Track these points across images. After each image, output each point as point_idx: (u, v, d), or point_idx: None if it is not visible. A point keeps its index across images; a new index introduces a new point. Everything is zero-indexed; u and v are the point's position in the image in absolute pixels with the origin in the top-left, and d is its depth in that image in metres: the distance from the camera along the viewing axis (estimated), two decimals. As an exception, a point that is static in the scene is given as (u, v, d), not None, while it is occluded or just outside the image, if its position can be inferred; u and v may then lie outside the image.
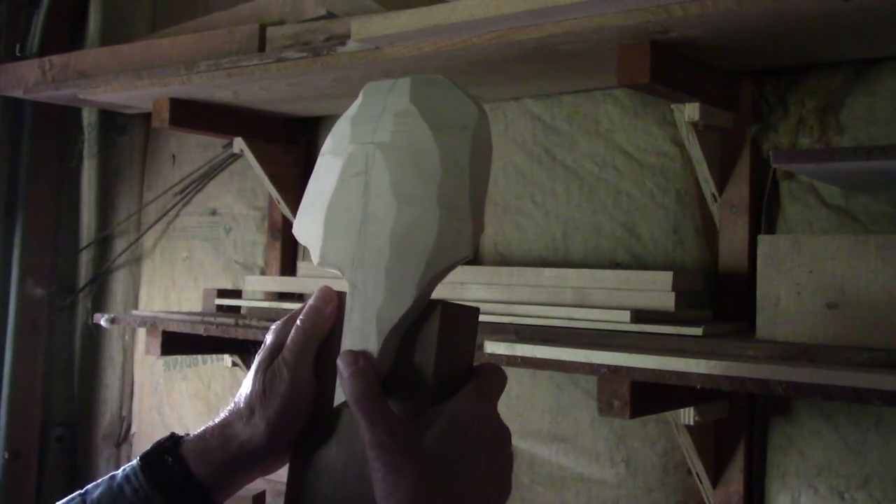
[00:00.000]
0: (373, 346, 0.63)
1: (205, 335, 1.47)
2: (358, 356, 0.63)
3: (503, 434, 0.64)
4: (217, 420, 0.69)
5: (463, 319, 0.65)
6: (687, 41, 1.07)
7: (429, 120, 0.66)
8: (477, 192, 0.64)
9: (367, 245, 0.65)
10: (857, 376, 0.85)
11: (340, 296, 0.68)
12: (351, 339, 0.65)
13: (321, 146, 1.99)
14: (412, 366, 0.63)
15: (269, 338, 0.69)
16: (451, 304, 0.65)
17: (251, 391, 0.66)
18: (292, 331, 0.68)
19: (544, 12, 1.04)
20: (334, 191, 0.68)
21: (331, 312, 0.68)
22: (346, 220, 0.67)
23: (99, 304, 2.23)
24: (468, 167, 0.64)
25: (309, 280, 1.58)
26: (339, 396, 0.64)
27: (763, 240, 1.06)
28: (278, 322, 0.70)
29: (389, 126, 0.67)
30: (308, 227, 0.70)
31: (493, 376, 0.65)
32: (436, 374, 0.62)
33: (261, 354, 0.68)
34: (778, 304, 1.03)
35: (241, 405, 0.67)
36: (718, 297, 1.28)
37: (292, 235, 1.96)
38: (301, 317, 0.68)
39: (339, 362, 0.64)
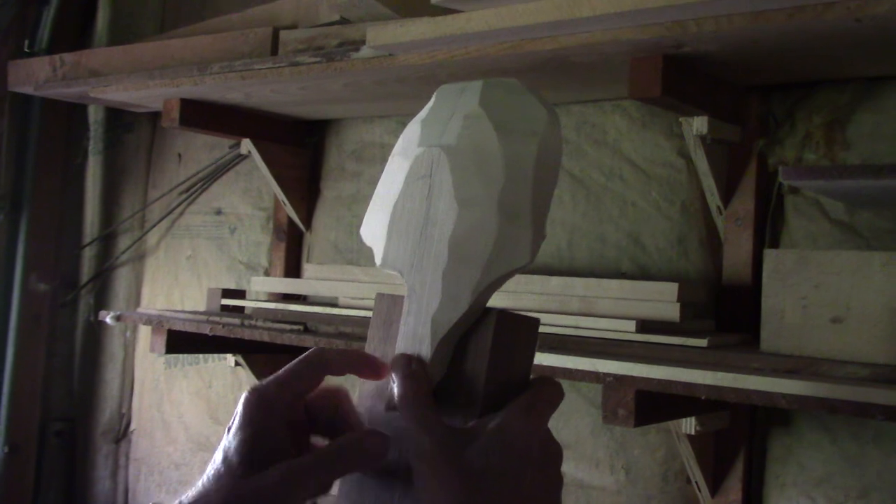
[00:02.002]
0: (426, 350, 0.62)
1: (210, 335, 1.48)
2: (411, 360, 0.62)
3: (553, 451, 0.62)
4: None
5: (520, 329, 0.64)
6: (699, 56, 1.09)
7: (496, 123, 0.65)
8: (540, 198, 0.63)
9: (426, 248, 0.64)
10: (860, 391, 0.86)
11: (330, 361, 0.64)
12: (405, 343, 0.64)
13: (328, 149, 2.01)
14: (464, 374, 0.62)
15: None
16: (508, 312, 0.63)
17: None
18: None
19: (560, 24, 1.05)
20: (399, 193, 0.67)
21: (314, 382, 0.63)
22: (409, 222, 0.66)
23: (101, 300, 2.24)
24: (532, 173, 0.63)
25: (315, 282, 1.59)
26: (391, 398, 0.63)
27: (769, 254, 1.07)
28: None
29: (456, 129, 0.66)
30: (373, 228, 0.69)
31: (547, 390, 0.63)
32: (487, 384, 0.61)
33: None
34: (783, 318, 1.04)
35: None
36: (722, 309, 1.29)
37: (297, 236, 1.98)
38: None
39: (392, 365, 0.63)
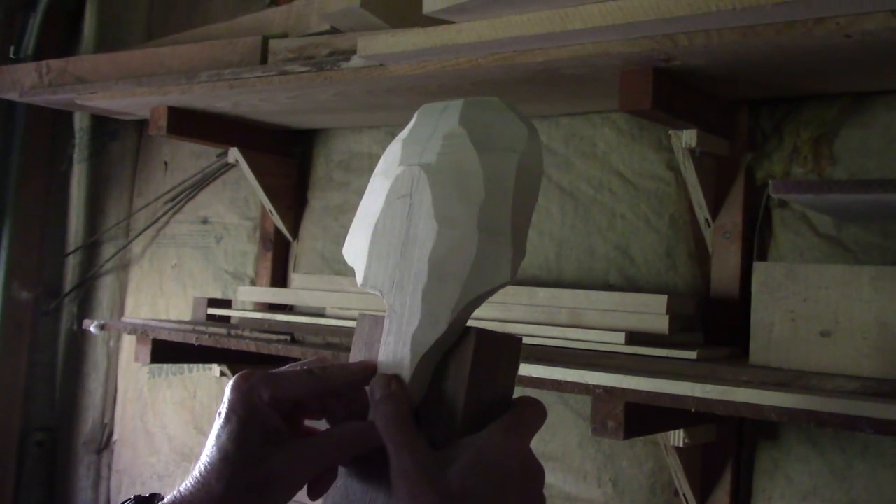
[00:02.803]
0: (406, 370, 0.62)
1: (196, 345, 1.47)
2: (391, 380, 0.61)
3: (535, 472, 0.62)
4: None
5: (501, 348, 0.63)
6: (689, 70, 1.09)
7: (476, 141, 0.65)
8: (520, 216, 0.63)
9: (406, 268, 0.64)
10: (849, 404, 0.87)
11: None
12: (385, 363, 0.64)
13: (316, 159, 2.00)
14: (444, 394, 0.61)
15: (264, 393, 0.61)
16: (488, 332, 0.63)
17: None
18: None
19: (551, 37, 1.05)
20: (380, 212, 0.67)
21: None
22: (390, 242, 0.66)
23: (85, 309, 2.22)
24: (512, 190, 0.63)
25: (302, 292, 1.58)
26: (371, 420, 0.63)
27: (758, 267, 1.07)
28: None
29: (436, 148, 0.66)
30: (356, 248, 0.69)
31: (529, 410, 0.62)
32: (467, 403, 0.60)
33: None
34: (772, 331, 1.05)
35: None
36: (710, 322, 1.29)
37: (284, 246, 1.97)
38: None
39: (372, 385, 0.62)
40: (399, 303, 0.64)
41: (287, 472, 0.59)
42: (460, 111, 0.67)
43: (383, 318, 0.66)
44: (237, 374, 0.62)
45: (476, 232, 0.62)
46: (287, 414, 0.62)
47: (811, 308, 1.02)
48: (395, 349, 0.63)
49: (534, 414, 0.62)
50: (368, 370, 0.64)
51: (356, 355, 0.68)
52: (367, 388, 0.63)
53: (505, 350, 0.64)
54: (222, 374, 1.78)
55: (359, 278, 0.68)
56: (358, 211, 0.71)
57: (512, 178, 0.63)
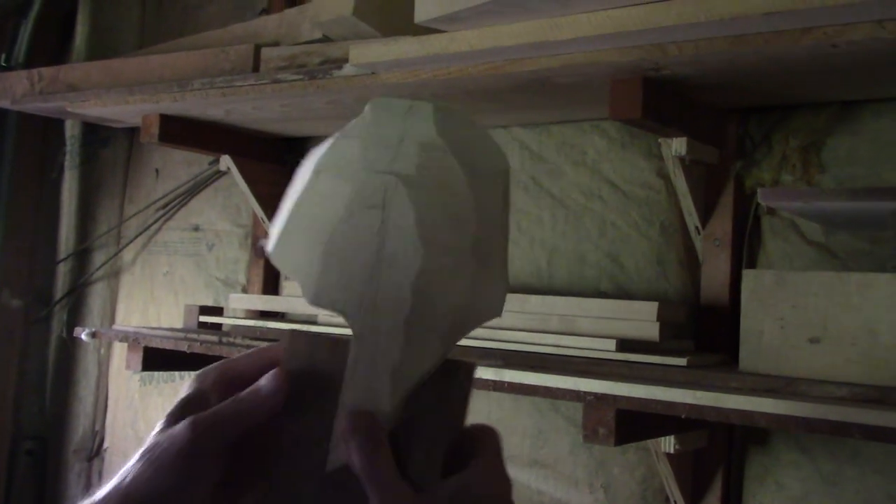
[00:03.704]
0: (385, 405, 0.56)
1: (188, 352, 1.47)
2: (368, 418, 0.55)
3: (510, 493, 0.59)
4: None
5: (459, 375, 0.60)
6: (678, 78, 1.10)
7: (460, 160, 0.59)
8: (505, 247, 0.60)
9: (381, 290, 0.57)
10: (838, 410, 0.87)
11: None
12: (355, 395, 0.57)
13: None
14: (419, 428, 0.57)
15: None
16: (462, 362, 0.59)
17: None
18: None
19: (541, 46, 1.06)
20: (340, 221, 0.59)
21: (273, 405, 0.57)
22: (354, 257, 0.58)
23: (75, 316, 2.22)
24: (500, 221, 0.59)
25: (294, 300, 1.59)
26: (335, 460, 0.56)
27: (748, 274, 1.08)
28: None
29: (413, 157, 0.59)
30: (296, 256, 0.60)
31: (493, 441, 0.59)
32: (430, 435, 0.57)
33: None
34: (761, 338, 1.05)
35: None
36: (700, 329, 1.30)
37: (277, 254, 1.96)
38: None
39: (345, 423, 0.55)
40: (370, 328, 0.57)
41: (195, 441, 0.55)
42: (434, 119, 0.61)
43: (324, 337, 0.59)
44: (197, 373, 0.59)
45: (471, 261, 0.57)
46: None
47: (800, 315, 1.02)
48: (369, 381, 0.56)
49: (498, 442, 0.60)
50: (266, 363, 0.60)
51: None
52: (337, 426, 0.56)
53: (462, 376, 0.60)
54: (214, 381, 1.78)
55: (306, 293, 0.59)
56: (291, 209, 0.62)
57: (500, 208, 0.60)
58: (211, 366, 0.61)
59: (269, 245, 0.62)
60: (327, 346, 0.59)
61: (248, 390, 0.57)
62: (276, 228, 0.62)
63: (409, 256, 0.57)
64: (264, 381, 0.57)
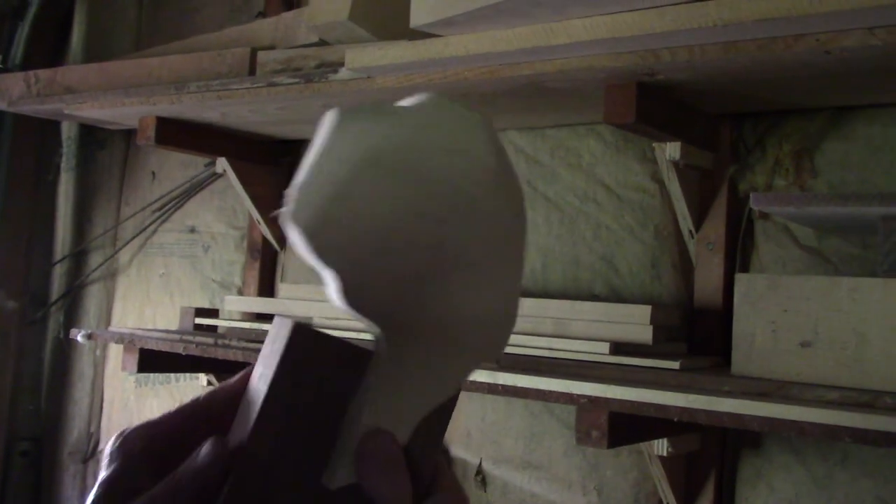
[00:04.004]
0: (404, 429, 0.51)
1: (184, 354, 1.47)
2: (389, 439, 0.50)
3: None
4: None
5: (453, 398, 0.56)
6: (672, 84, 1.11)
7: (517, 184, 0.55)
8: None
9: (427, 309, 0.51)
10: (829, 414, 0.88)
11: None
12: (374, 413, 0.51)
13: (305, 169, 1.98)
14: (414, 450, 0.53)
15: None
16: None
17: None
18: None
19: (536, 51, 1.07)
20: (396, 221, 0.50)
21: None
22: (405, 264, 0.50)
23: (71, 318, 2.22)
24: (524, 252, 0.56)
25: (289, 302, 1.59)
26: (340, 477, 0.50)
27: (740, 278, 1.09)
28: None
29: (478, 175, 0.52)
30: (338, 243, 0.49)
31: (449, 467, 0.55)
32: (434, 459, 0.54)
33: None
34: (753, 342, 1.06)
35: None
36: (694, 332, 1.31)
37: (272, 256, 1.97)
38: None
39: (365, 442, 0.50)
40: (409, 349, 0.51)
41: None
42: (492, 137, 0.53)
43: (335, 340, 0.52)
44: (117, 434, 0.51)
45: (518, 298, 0.53)
46: (170, 461, 0.49)
47: (792, 319, 1.03)
48: (392, 404, 0.51)
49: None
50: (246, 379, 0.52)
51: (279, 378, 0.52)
52: (346, 441, 0.51)
53: (454, 399, 0.56)
54: (209, 383, 1.79)
55: (336, 290, 0.50)
56: (337, 192, 0.49)
57: (524, 246, 0.56)
58: (133, 429, 0.50)
59: (302, 215, 0.49)
60: (336, 350, 0.52)
61: (184, 466, 0.47)
62: (311, 202, 0.50)
63: (464, 281, 0.51)
64: (205, 450, 0.47)
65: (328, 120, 0.50)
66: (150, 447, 0.48)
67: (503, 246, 0.54)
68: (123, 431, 0.49)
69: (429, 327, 0.51)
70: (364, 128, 0.51)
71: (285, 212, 0.48)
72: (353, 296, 0.49)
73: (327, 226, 0.48)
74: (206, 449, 0.47)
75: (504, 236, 0.53)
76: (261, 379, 0.50)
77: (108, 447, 0.48)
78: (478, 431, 1.52)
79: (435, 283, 0.50)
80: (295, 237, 0.48)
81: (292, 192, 0.48)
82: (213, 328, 1.64)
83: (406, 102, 0.53)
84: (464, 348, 0.52)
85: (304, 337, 0.50)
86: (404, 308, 0.51)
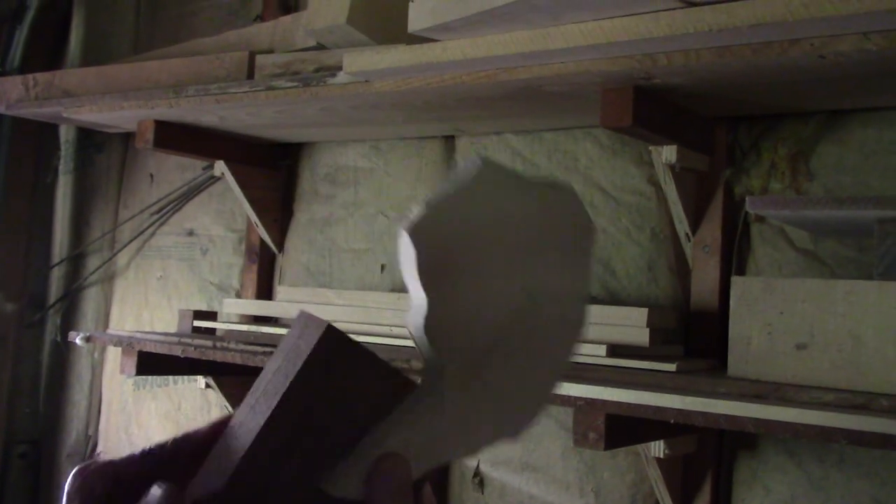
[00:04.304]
0: (417, 470, 0.50)
1: (182, 356, 1.48)
2: (406, 466, 0.49)
3: None
4: None
5: None
6: (668, 88, 1.11)
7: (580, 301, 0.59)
8: None
9: (487, 370, 0.51)
10: (824, 416, 0.89)
11: None
12: (400, 443, 0.49)
13: (302, 172, 2.00)
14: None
15: None
16: None
17: None
18: None
19: (533, 55, 1.08)
20: (499, 277, 0.52)
21: None
22: (489, 320, 0.51)
23: (69, 321, 2.22)
24: None
25: (287, 305, 1.59)
26: (341, 487, 0.49)
27: (736, 281, 1.10)
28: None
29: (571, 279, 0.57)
30: (438, 264, 0.49)
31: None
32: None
33: None
34: (749, 344, 1.07)
35: None
36: (690, 334, 1.31)
37: (270, 259, 1.97)
38: None
39: (391, 468, 0.48)
40: (456, 400, 0.50)
41: None
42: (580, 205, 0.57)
43: (361, 347, 0.50)
44: (76, 468, 0.49)
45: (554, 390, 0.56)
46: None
47: (787, 321, 1.04)
48: (420, 438, 0.50)
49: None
50: (219, 429, 0.50)
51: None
52: (360, 455, 0.49)
53: None
54: (207, 385, 1.79)
55: (422, 311, 0.49)
56: (467, 229, 0.51)
57: None
58: (94, 468, 0.48)
59: (426, 229, 0.49)
60: (366, 363, 0.50)
61: None
62: (437, 223, 0.50)
63: (527, 359, 0.52)
64: (154, 492, 0.46)
65: (474, 163, 0.52)
66: (111, 490, 0.47)
67: (564, 339, 0.55)
68: (84, 469, 0.47)
69: (482, 387, 0.51)
70: (501, 185, 0.53)
71: (411, 221, 0.49)
72: (435, 325, 0.49)
73: (441, 250, 0.49)
74: (155, 491, 0.45)
75: (570, 334, 0.55)
76: (277, 372, 0.49)
77: (67, 485, 0.47)
78: (475, 433, 1.53)
79: (506, 350, 0.50)
80: (408, 247, 0.49)
81: (423, 206, 0.49)
82: (212, 331, 1.64)
83: (545, 180, 0.56)
84: (500, 420, 0.51)
85: (334, 342, 0.49)
86: (470, 360, 0.50)
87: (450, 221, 0.50)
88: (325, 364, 0.49)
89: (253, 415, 0.48)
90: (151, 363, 1.58)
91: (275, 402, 0.47)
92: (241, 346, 1.43)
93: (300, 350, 0.49)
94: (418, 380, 0.51)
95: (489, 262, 0.51)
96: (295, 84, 1.34)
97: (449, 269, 0.50)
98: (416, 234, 0.49)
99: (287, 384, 0.48)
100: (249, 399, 0.50)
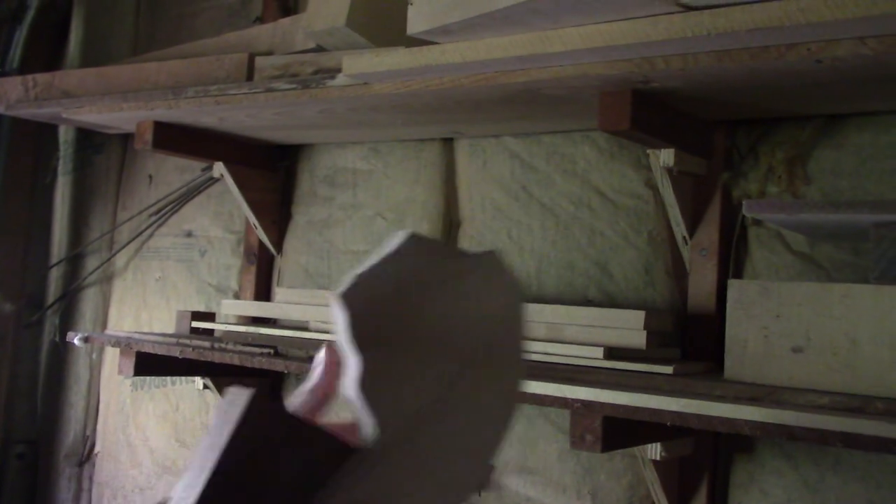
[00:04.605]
0: None
1: (180, 357, 1.48)
2: None
3: None
4: None
5: None
6: (666, 91, 1.12)
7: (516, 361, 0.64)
8: None
9: (424, 436, 0.54)
10: (820, 419, 0.89)
11: None
12: None
13: (301, 174, 2.01)
14: None
15: None
16: None
17: None
18: None
19: (532, 58, 1.08)
20: (429, 342, 0.56)
21: None
22: (423, 384, 0.55)
23: (67, 321, 2.22)
24: None
25: (286, 306, 1.60)
26: None
27: (733, 284, 1.10)
28: None
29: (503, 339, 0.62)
30: (369, 330, 0.52)
31: None
32: None
33: None
34: (746, 347, 1.07)
35: None
36: (687, 337, 1.32)
37: (268, 260, 1.98)
38: None
39: None
40: (397, 465, 0.52)
41: None
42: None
43: (289, 417, 0.50)
44: None
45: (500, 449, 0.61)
46: None
47: (784, 325, 1.04)
48: (369, 493, 0.50)
49: None
50: None
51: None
52: None
53: None
54: (205, 386, 1.79)
55: (355, 377, 0.52)
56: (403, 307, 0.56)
57: None
58: None
59: (355, 298, 0.52)
60: (288, 424, 0.50)
61: None
62: (366, 292, 0.53)
63: (466, 420, 0.54)
64: None
65: (401, 236, 0.55)
66: None
67: (504, 395, 0.57)
68: None
69: (420, 450, 0.51)
70: (428, 256, 0.56)
71: (340, 291, 0.51)
72: (368, 389, 0.50)
73: (372, 317, 0.51)
74: None
75: (507, 392, 0.57)
76: (210, 447, 0.49)
77: None
78: (473, 435, 1.53)
79: (441, 415, 0.52)
80: (340, 315, 0.51)
81: (350, 277, 0.52)
82: (210, 332, 1.65)
83: (471, 252, 0.60)
84: (443, 482, 0.53)
85: (262, 412, 0.49)
86: (406, 424, 0.51)
87: (380, 291, 0.52)
88: (253, 434, 0.49)
89: (189, 491, 0.48)
90: (149, 364, 1.58)
91: (207, 477, 0.47)
92: (239, 348, 1.43)
93: (228, 423, 0.49)
94: (357, 443, 0.51)
95: (421, 331, 0.53)
96: (294, 86, 1.34)
97: (381, 336, 0.51)
98: (347, 302, 0.51)
99: (217, 458, 0.47)
100: (186, 476, 0.50)
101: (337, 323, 0.52)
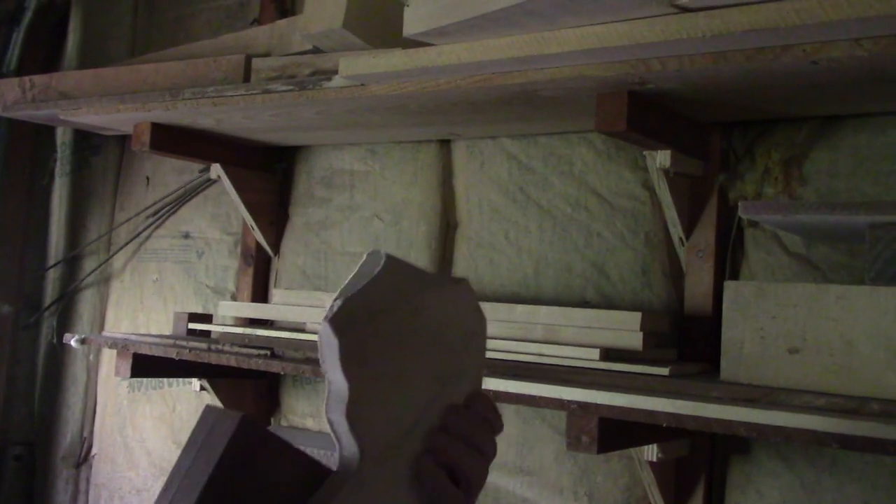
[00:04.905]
0: None
1: (177, 359, 1.48)
2: None
3: None
4: None
5: None
6: (663, 93, 1.12)
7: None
8: None
9: (420, 422, 0.59)
10: (816, 420, 0.89)
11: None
12: None
13: (298, 175, 2.01)
14: None
15: None
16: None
17: None
18: None
19: (529, 60, 1.08)
20: (412, 362, 0.61)
21: None
22: (405, 404, 0.59)
23: (64, 323, 2.22)
24: None
25: (283, 307, 1.60)
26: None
27: (729, 286, 1.10)
28: None
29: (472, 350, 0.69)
30: (356, 352, 0.55)
31: None
32: None
33: None
34: (742, 348, 1.07)
35: None
36: (683, 338, 1.32)
37: (265, 261, 1.98)
38: None
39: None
40: (395, 462, 0.58)
41: None
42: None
43: (276, 439, 0.53)
44: None
45: None
46: None
47: (780, 326, 1.04)
48: None
49: None
50: None
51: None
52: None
53: None
54: (202, 388, 1.79)
55: (339, 399, 0.56)
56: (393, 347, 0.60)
57: None
58: None
59: (342, 321, 0.55)
60: (272, 446, 0.53)
61: None
62: (351, 315, 0.55)
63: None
64: None
65: (375, 257, 0.58)
66: None
67: None
68: None
69: (401, 462, 0.54)
70: (406, 280, 0.58)
71: (331, 313, 0.53)
72: (357, 411, 0.52)
73: (359, 339, 0.54)
74: None
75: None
76: (193, 468, 0.50)
77: None
78: (470, 437, 1.53)
79: (423, 428, 0.55)
80: (329, 338, 0.53)
81: (337, 301, 0.54)
82: (207, 333, 1.65)
83: (445, 277, 0.67)
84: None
85: (249, 434, 0.51)
86: (390, 442, 0.53)
87: (366, 316, 0.55)
88: (241, 456, 0.50)
89: None
90: (146, 365, 1.58)
91: (195, 498, 0.48)
92: (236, 349, 1.43)
93: (214, 444, 0.50)
94: (334, 466, 0.53)
95: (404, 352, 0.56)
96: (291, 87, 1.34)
97: (367, 358, 0.54)
98: (337, 324, 0.53)
99: (206, 479, 0.48)
100: (165, 496, 0.50)
101: (323, 347, 0.54)
